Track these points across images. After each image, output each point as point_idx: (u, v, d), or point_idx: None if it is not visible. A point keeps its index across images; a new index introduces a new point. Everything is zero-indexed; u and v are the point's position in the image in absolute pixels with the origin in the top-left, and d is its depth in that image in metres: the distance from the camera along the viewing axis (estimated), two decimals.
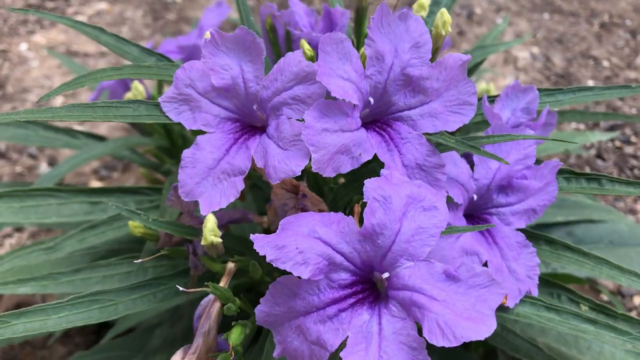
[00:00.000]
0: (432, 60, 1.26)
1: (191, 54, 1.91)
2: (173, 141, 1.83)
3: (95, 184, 2.76)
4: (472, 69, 1.70)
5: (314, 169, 0.90)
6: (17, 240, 2.22)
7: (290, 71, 0.96)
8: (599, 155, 3.37)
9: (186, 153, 0.99)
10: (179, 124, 1.03)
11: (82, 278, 1.29)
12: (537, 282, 1.19)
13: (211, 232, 0.99)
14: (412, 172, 0.99)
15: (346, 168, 0.94)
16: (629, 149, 3.39)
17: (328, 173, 0.93)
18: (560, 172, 1.28)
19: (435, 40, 1.24)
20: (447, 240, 1.10)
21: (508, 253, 1.17)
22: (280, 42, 1.46)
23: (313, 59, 1.21)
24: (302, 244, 0.84)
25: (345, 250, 0.86)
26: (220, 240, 1.01)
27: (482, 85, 1.99)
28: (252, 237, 0.86)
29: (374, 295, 0.89)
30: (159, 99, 1.03)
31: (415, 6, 1.34)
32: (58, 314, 1.08)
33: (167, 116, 1.02)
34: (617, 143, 3.45)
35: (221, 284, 1.02)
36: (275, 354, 0.89)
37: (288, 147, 0.94)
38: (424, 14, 1.34)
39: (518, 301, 1.16)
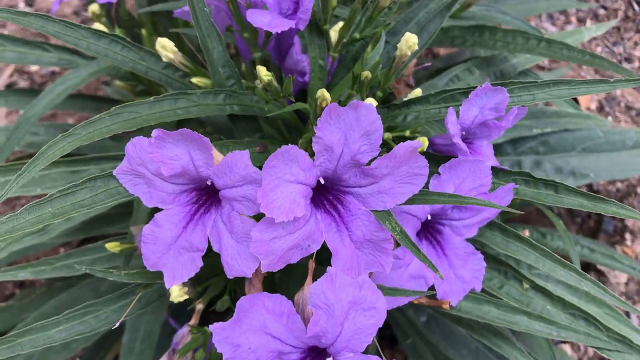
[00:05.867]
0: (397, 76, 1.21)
1: None
2: None
3: None
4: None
5: (263, 271, 0.97)
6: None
7: (238, 173, 0.95)
8: None
9: (146, 230, 1.04)
10: None
11: (75, 261, 1.43)
12: (482, 279, 1.32)
13: (178, 297, 1.10)
14: (360, 245, 1.05)
15: (296, 259, 1.01)
16: None
17: (278, 268, 1.00)
18: (520, 174, 1.31)
19: (400, 58, 1.16)
20: (396, 271, 1.20)
21: (456, 262, 1.28)
22: (242, 11, 1.34)
23: (271, 83, 1.16)
24: (254, 342, 0.97)
25: (293, 343, 0.99)
26: (187, 296, 1.12)
27: None
28: (210, 327, 0.98)
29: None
30: (114, 172, 1.03)
31: None
32: (57, 328, 1.25)
33: (124, 187, 1.05)
34: None
35: (191, 322, 1.17)
36: None
37: (240, 240, 0.99)
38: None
39: (462, 298, 1.31)
